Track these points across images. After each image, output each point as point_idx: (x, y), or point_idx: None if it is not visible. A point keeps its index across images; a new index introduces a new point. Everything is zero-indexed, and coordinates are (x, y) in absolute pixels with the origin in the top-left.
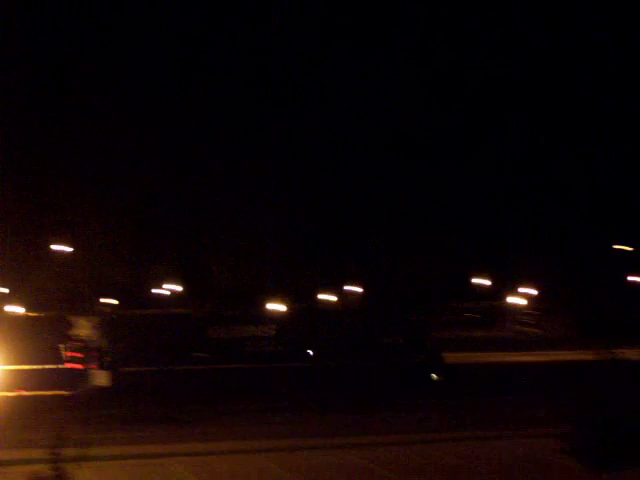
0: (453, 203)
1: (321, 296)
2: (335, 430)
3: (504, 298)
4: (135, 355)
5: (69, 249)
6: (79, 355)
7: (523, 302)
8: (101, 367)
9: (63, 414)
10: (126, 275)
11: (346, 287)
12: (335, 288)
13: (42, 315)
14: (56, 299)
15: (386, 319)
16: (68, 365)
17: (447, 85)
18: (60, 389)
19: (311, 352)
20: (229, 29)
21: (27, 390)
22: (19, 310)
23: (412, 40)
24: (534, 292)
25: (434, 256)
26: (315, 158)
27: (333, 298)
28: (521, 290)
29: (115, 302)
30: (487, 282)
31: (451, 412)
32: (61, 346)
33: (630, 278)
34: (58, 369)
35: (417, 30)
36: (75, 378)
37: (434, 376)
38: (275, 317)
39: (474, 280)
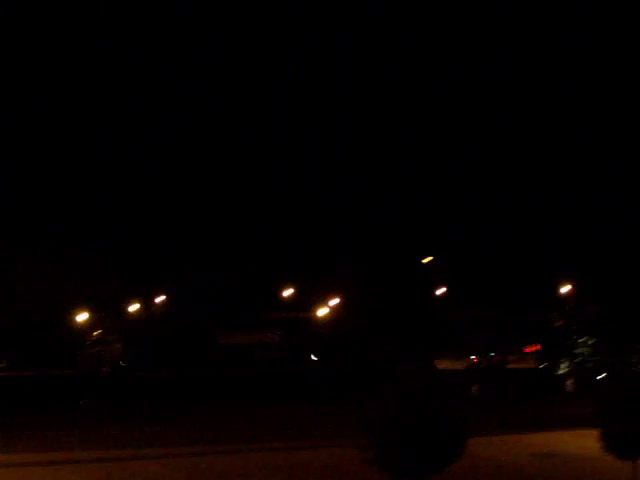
0: (258, 214)
1: (129, 307)
2: (134, 441)
3: (310, 310)
4: None
5: None
6: None
7: (325, 312)
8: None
9: None
10: None
11: (156, 298)
12: (143, 298)
13: None
14: None
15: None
16: None
17: None
18: None
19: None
20: None
21: None
22: None
23: None
24: (338, 302)
25: (239, 268)
26: (122, 167)
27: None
28: (326, 301)
29: None
30: (292, 293)
31: (254, 422)
32: None
33: (436, 289)
34: None
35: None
36: None
37: None
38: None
39: (281, 292)
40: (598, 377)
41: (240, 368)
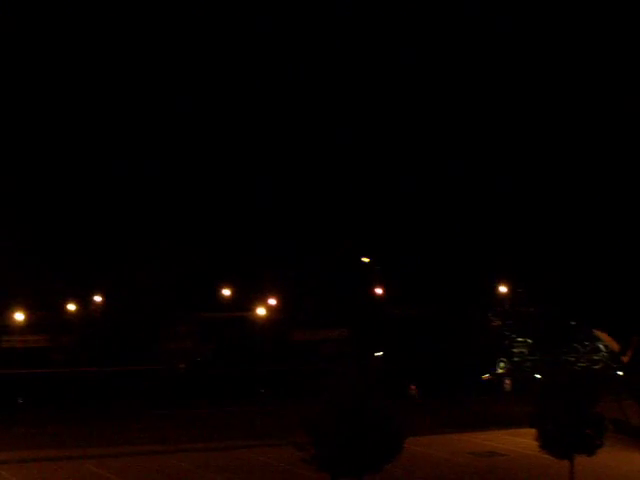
0: (194, 213)
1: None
2: (72, 441)
3: (250, 308)
4: None
5: None
6: None
7: (263, 312)
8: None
9: None
10: None
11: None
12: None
13: None
14: None
15: None
16: None
17: None
18: None
19: None
20: None
21: None
22: None
23: None
24: (275, 302)
25: (177, 266)
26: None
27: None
28: (265, 300)
29: None
30: (230, 292)
31: (193, 423)
32: None
33: (374, 289)
34: None
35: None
36: None
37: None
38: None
39: (222, 291)
40: (536, 376)
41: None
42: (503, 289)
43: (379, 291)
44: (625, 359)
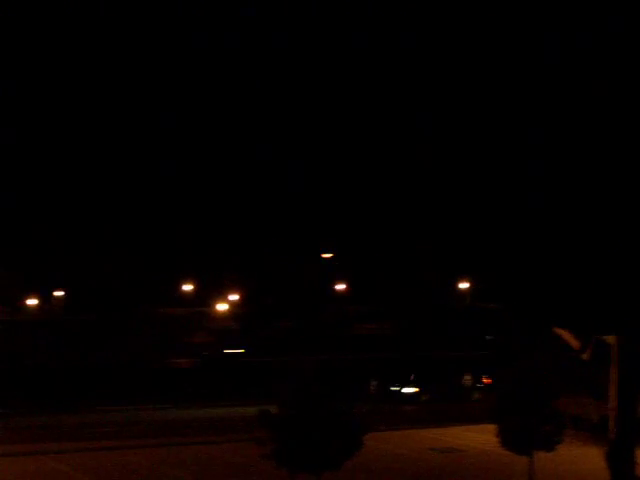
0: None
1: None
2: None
3: (210, 304)
4: None
5: None
6: None
7: (225, 308)
8: None
9: None
10: None
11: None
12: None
13: None
14: None
15: None
16: None
17: None
18: None
19: None
20: None
21: None
22: None
23: None
24: (237, 298)
25: (138, 260)
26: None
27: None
28: (227, 296)
29: None
30: (192, 288)
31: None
32: None
33: (336, 285)
34: None
35: None
36: None
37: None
38: None
39: (183, 286)
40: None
41: None
42: (464, 285)
43: (341, 287)
44: (585, 357)
